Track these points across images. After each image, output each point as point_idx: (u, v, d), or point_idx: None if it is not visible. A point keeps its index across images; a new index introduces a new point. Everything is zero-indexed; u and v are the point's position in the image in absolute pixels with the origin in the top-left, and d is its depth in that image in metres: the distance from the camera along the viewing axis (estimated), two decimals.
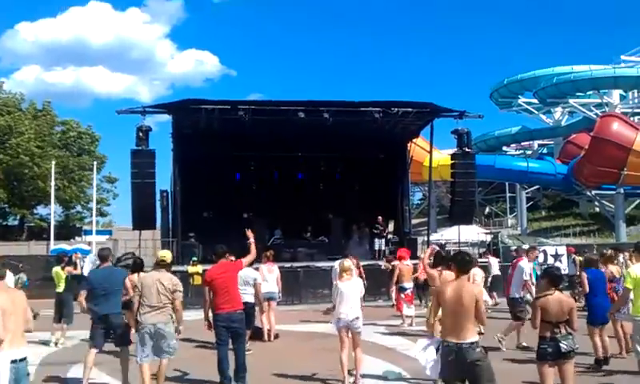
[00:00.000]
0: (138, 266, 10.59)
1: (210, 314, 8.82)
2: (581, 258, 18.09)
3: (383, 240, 25.93)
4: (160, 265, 8.70)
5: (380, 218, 25.99)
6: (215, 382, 8.76)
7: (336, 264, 15.96)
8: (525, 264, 12.27)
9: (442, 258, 9.66)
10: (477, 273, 13.68)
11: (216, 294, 8.77)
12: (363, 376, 9.18)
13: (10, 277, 12.20)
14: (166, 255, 8.93)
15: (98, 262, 10.04)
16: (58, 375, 10.03)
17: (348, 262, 9.64)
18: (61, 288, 13.21)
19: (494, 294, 19.37)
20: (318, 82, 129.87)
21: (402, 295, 15.45)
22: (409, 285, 15.55)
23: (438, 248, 13.60)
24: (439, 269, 8.98)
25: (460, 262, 6.42)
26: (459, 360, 5.91)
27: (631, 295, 8.76)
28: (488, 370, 6.01)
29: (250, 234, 9.55)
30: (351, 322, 8.97)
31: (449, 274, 8.57)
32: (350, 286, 9.12)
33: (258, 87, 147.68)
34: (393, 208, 28.10)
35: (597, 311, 9.83)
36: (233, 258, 9.99)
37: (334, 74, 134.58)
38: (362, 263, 17.79)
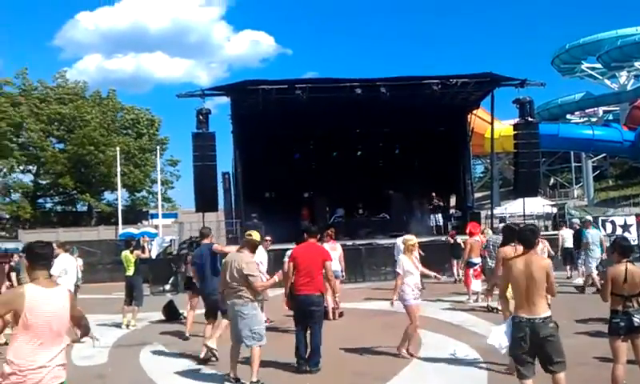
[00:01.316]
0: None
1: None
2: None
3: (440, 215, 25.65)
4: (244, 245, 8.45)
5: (434, 194, 25.76)
6: (287, 363, 8.81)
7: (398, 240, 15.97)
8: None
9: (513, 232, 9.32)
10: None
11: (298, 274, 8.65)
12: (427, 358, 9.17)
13: (72, 261, 12.56)
14: (253, 234, 8.51)
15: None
16: (130, 356, 10.31)
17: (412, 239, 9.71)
18: (130, 271, 13.54)
19: (567, 267, 18.94)
20: (374, 58, 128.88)
21: (472, 270, 15.26)
22: (477, 260, 15.31)
23: (507, 223, 13.35)
24: (512, 245, 8.61)
25: (523, 237, 6.41)
26: (532, 335, 5.86)
27: None
28: (559, 345, 5.94)
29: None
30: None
31: (509, 250, 8.42)
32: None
33: (314, 65, 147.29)
34: (455, 182, 27.73)
35: None
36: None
37: (390, 50, 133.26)
38: (421, 240, 17.76)
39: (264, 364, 8.15)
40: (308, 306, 8.61)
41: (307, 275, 8.61)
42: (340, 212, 26.03)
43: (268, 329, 10.42)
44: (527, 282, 5.97)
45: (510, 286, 6.42)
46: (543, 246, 14.61)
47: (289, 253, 11.15)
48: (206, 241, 10.64)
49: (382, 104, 22.52)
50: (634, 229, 24.20)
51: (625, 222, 25.62)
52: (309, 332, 8.69)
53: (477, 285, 15.05)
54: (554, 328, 5.94)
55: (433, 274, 10.68)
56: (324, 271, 8.83)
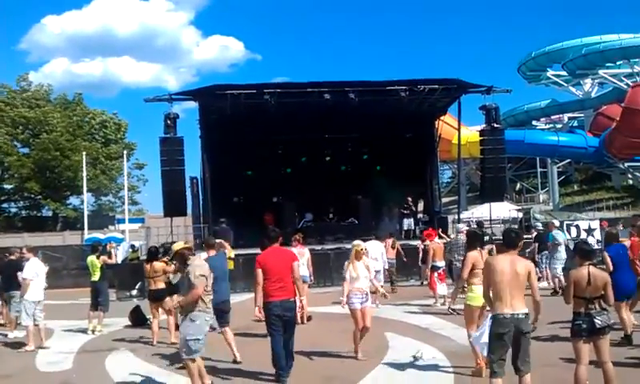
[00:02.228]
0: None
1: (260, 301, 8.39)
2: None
3: (412, 220, 25.83)
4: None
5: (409, 198, 25.90)
6: (262, 373, 8.65)
7: (367, 245, 16.07)
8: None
9: (477, 237, 9.51)
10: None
11: (268, 280, 8.33)
12: (394, 361, 9.24)
13: (41, 265, 12.39)
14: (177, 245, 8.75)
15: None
16: (96, 362, 10.19)
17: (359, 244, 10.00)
18: (96, 277, 13.42)
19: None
20: (343, 63, 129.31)
21: (436, 274, 15.41)
22: (441, 263, 15.55)
23: (471, 227, 13.57)
24: (478, 249, 8.78)
25: (508, 238, 6.76)
26: (515, 331, 6.22)
27: None
28: (529, 344, 6.38)
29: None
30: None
31: (476, 254, 8.55)
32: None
33: (283, 71, 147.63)
34: (422, 187, 27.93)
35: (621, 285, 9.56)
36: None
37: (358, 55, 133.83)
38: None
39: (236, 373, 8.09)
40: (284, 311, 8.28)
41: (278, 280, 8.32)
42: (309, 217, 26.05)
43: (237, 335, 10.41)
44: (512, 280, 6.29)
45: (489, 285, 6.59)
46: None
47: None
48: (213, 252, 10.42)
49: (351, 109, 22.61)
50: (597, 233, 24.63)
51: (589, 226, 26.07)
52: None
53: (442, 288, 15.20)
54: (531, 325, 6.38)
55: (382, 290, 10.91)
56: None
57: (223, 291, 9.62)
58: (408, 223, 25.63)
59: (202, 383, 7.75)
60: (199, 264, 7.88)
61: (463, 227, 17.32)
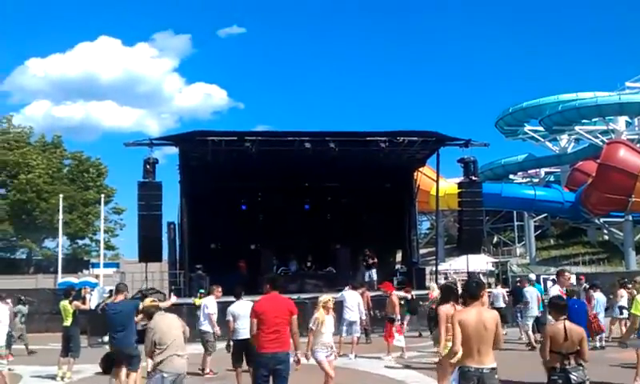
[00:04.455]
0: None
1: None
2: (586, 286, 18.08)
3: (373, 271, 25.63)
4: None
5: (367, 250, 25.89)
6: None
7: (344, 294, 16.05)
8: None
9: (450, 291, 9.56)
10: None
11: (263, 330, 7.69)
12: None
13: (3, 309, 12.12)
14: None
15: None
16: None
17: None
18: (68, 322, 13.16)
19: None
20: (325, 113, 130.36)
21: (394, 327, 15.47)
22: (397, 316, 15.77)
23: (449, 282, 13.64)
24: (451, 303, 8.79)
25: (470, 289, 6.68)
26: None
27: None
28: None
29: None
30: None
31: (449, 308, 8.55)
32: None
33: (265, 119, 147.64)
34: (400, 238, 28.01)
35: None
36: None
37: (339, 105, 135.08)
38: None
39: None
40: (276, 364, 7.67)
41: (274, 331, 7.69)
42: (293, 266, 25.83)
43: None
44: (479, 332, 6.15)
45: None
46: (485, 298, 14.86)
47: (231, 308, 11.12)
48: (120, 297, 10.65)
49: (331, 158, 22.76)
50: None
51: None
52: None
53: (400, 340, 15.17)
54: (497, 380, 6.15)
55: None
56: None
57: (126, 337, 9.91)
58: (369, 274, 25.51)
59: None
60: (153, 326, 7.75)
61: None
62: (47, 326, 22.26)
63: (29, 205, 51.11)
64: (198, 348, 12.86)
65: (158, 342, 7.52)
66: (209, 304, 13.29)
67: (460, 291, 8.29)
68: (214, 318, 13.11)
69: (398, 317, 15.87)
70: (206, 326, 13.14)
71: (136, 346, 9.97)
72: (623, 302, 16.39)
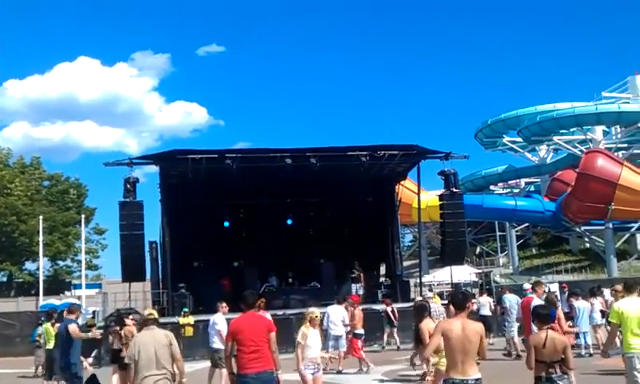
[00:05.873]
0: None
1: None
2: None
3: (360, 284, 25.61)
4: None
5: (356, 262, 25.91)
6: None
7: (329, 309, 16.02)
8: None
9: (424, 308, 9.70)
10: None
11: (242, 350, 7.40)
12: None
13: None
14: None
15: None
16: None
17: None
18: (51, 345, 13.01)
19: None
20: (305, 129, 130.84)
21: (360, 341, 15.63)
22: (362, 331, 16.00)
23: (421, 301, 13.62)
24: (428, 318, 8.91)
25: (456, 300, 6.73)
26: None
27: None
28: None
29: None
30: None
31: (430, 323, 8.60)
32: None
33: (245, 136, 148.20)
34: (384, 251, 28.01)
35: None
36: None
37: (319, 120, 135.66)
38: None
39: None
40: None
41: (254, 351, 7.36)
42: (272, 281, 25.73)
43: None
44: (463, 344, 6.14)
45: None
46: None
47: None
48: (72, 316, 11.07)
49: (312, 174, 22.72)
50: (558, 296, 24.82)
51: (548, 289, 26.25)
52: None
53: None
54: None
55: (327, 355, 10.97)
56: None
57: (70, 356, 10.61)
58: (355, 288, 25.46)
59: None
60: (133, 342, 7.77)
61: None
62: (29, 349, 21.97)
63: (8, 227, 50.62)
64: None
65: (133, 358, 7.44)
66: (218, 321, 13.02)
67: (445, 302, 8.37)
68: (224, 334, 12.85)
69: (362, 331, 15.95)
70: (217, 344, 12.85)
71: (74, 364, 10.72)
72: (596, 308, 16.60)
